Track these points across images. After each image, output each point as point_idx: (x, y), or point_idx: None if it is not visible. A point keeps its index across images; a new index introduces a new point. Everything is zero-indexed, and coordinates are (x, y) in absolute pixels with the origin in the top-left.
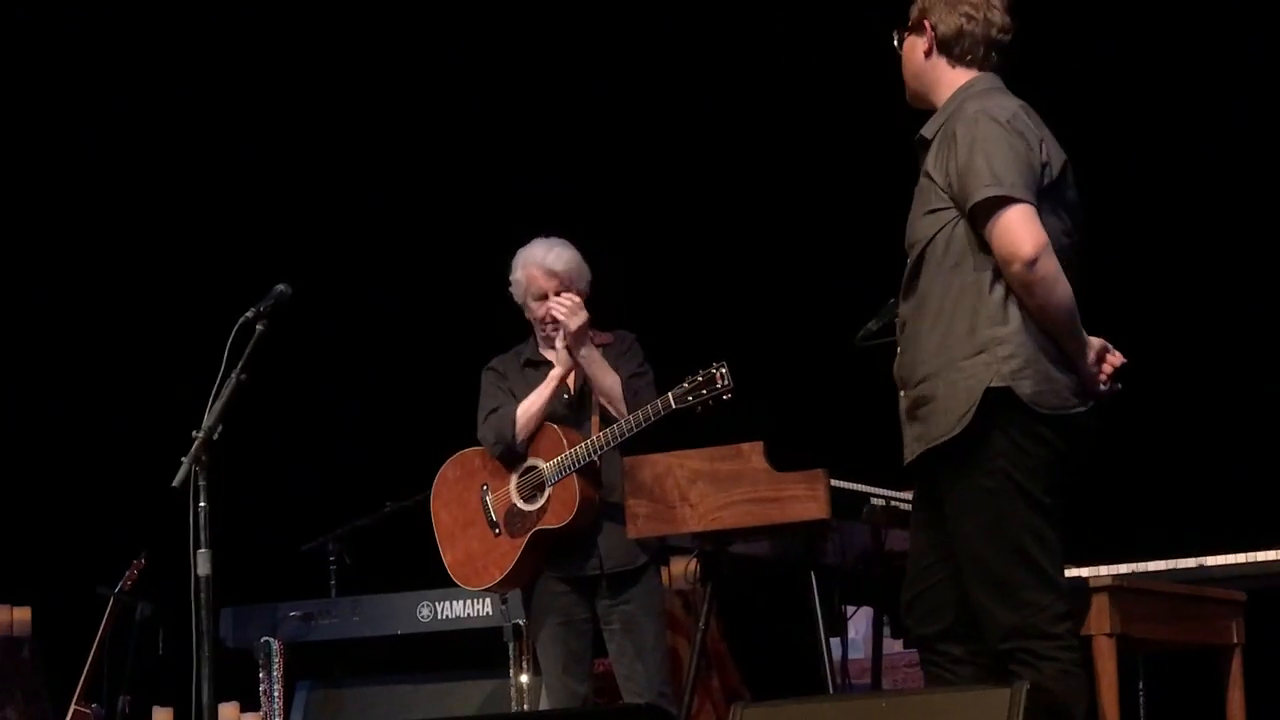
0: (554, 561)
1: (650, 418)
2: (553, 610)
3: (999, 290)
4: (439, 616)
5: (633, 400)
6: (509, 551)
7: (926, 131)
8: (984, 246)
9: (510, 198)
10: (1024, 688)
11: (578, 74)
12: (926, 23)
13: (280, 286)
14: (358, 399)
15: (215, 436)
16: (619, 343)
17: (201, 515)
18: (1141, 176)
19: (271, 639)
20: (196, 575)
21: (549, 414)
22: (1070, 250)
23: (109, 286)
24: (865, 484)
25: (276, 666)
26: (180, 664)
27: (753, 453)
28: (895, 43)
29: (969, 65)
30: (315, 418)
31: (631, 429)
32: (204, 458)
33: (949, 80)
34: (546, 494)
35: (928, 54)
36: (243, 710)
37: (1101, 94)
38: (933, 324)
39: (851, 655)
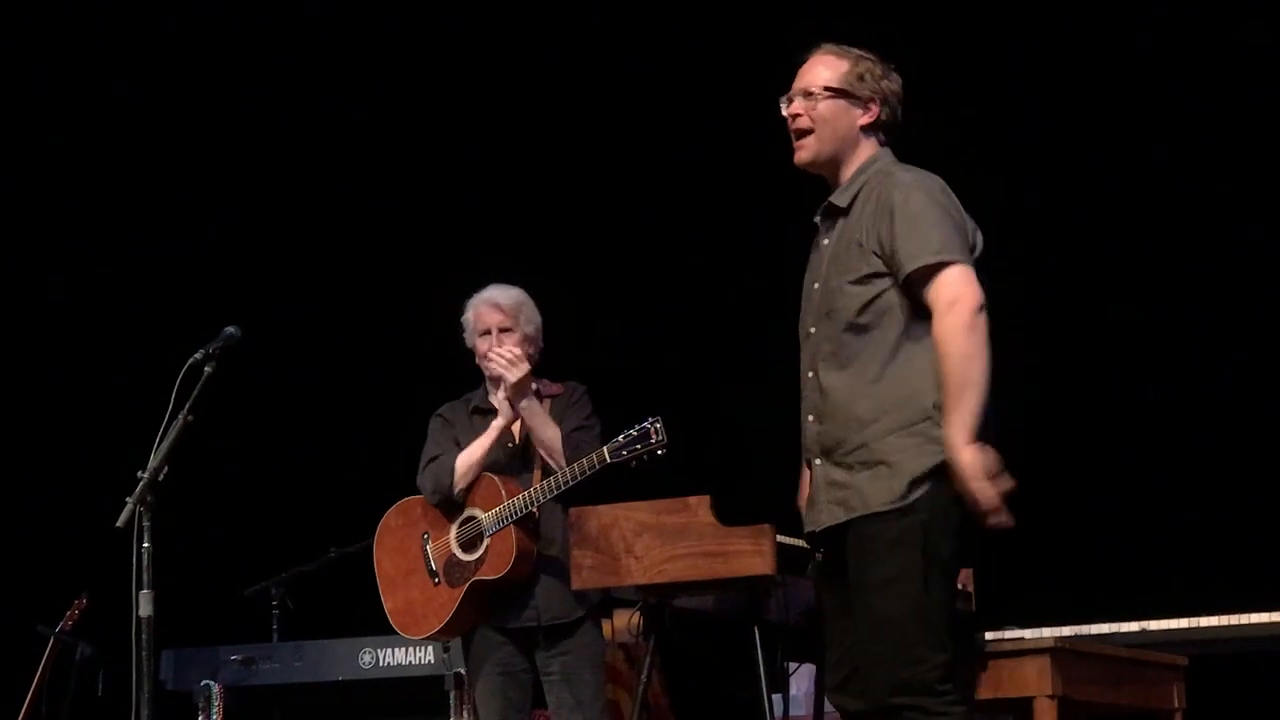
0: (492, 612)
1: (585, 471)
2: (492, 661)
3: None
4: (381, 663)
5: (572, 453)
6: (447, 601)
7: (839, 200)
8: (924, 314)
9: (466, 245)
10: None
11: (532, 122)
12: (876, 101)
13: (230, 328)
14: (305, 442)
15: (160, 477)
16: (568, 394)
17: (145, 556)
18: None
19: (212, 682)
20: (138, 616)
21: (492, 464)
22: None
23: (59, 323)
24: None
25: (216, 710)
26: (120, 706)
27: (699, 506)
28: (809, 96)
29: (883, 145)
30: (261, 461)
31: (567, 482)
32: (149, 498)
33: (867, 154)
34: (484, 544)
35: (865, 128)
36: None
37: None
38: (868, 391)
39: (793, 712)
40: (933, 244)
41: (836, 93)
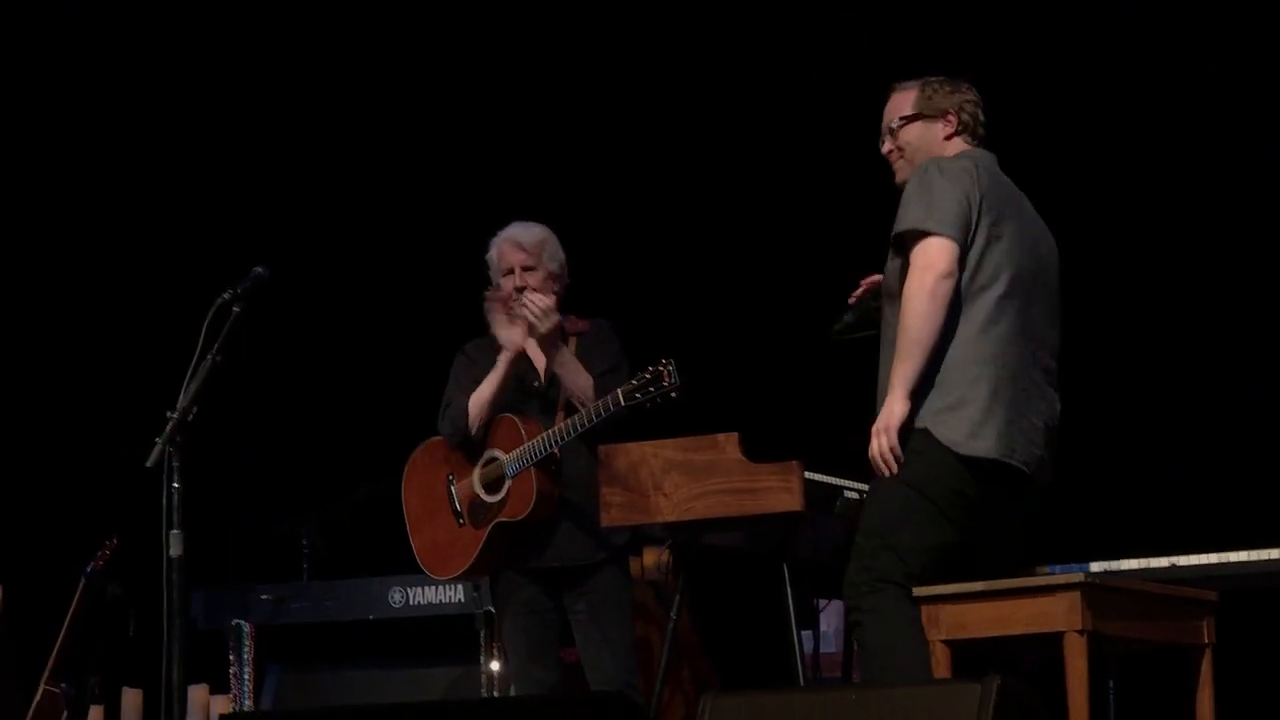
0: (516, 553)
1: (601, 413)
2: (517, 600)
3: None
4: (411, 602)
5: (603, 397)
6: (472, 542)
7: None
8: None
9: (491, 183)
10: (995, 683)
11: (558, 67)
12: (951, 111)
13: (258, 269)
14: (334, 380)
15: (190, 418)
16: (594, 330)
17: (174, 496)
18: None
19: (243, 621)
20: (168, 556)
21: (517, 404)
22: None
23: (87, 265)
24: (839, 476)
25: (247, 649)
26: (151, 645)
27: (728, 443)
28: (891, 132)
29: (973, 144)
30: (291, 400)
31: (585, 424)
32: (178, 438)
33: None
34: (506, 486)
35: (949, 137)
36: (212, 692)
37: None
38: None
39: (823, 649)
40: (912, 214)
41: (911, 118)
